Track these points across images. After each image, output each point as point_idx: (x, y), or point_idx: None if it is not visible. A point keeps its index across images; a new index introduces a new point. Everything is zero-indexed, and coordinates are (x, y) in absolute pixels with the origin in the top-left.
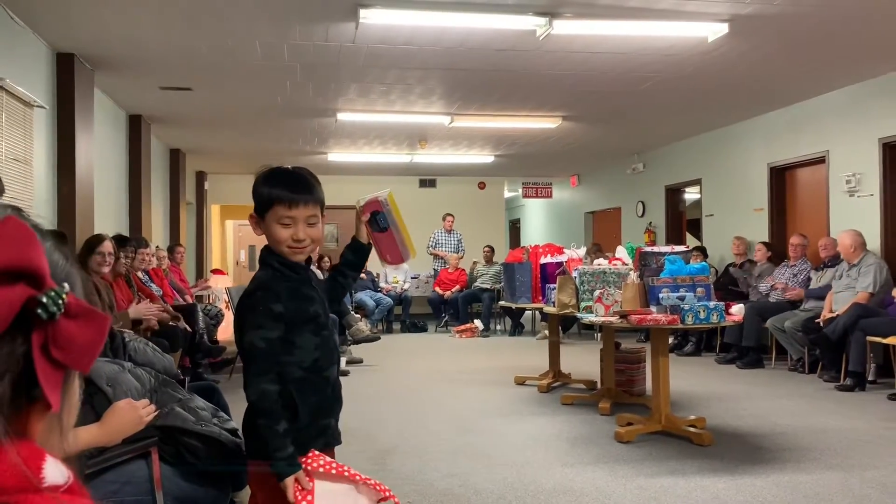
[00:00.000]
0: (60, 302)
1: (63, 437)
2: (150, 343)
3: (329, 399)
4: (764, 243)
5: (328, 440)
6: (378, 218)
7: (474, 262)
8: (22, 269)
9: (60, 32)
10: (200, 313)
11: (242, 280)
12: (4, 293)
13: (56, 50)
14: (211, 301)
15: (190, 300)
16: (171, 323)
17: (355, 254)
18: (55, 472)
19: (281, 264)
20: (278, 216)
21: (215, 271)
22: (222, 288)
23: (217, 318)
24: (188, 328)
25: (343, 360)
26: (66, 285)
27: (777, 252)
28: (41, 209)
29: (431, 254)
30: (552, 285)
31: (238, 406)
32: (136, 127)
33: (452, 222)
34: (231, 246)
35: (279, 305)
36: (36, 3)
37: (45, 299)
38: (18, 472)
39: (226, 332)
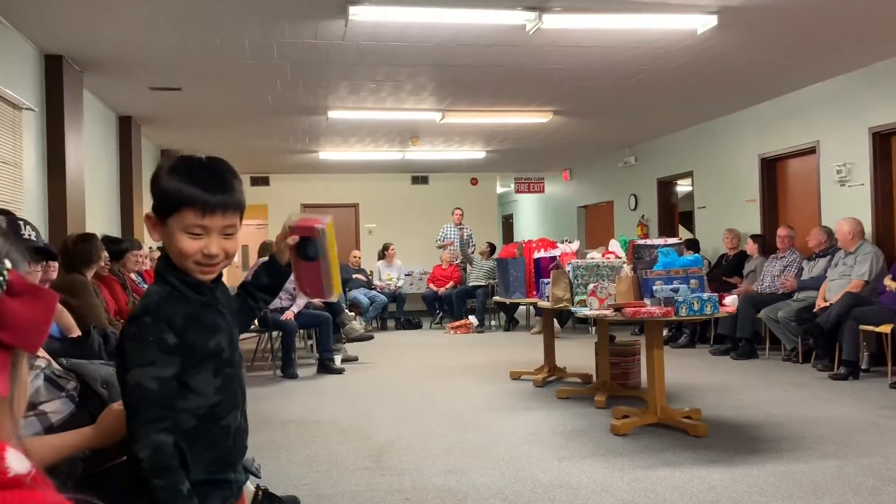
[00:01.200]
0: (4, 274)
1: (15, 424)
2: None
3: (230, 451)
4: (754, 236)
5: (226, 495)
6: (308, 246)
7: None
8: None
9: (48, 34)
10: None
11: (235, 280)
12: None
13: (44, 52)
14: None
15: None
16: None
17: (271, 277)
18: (17, 462)
19: (181, 282)
20: (186, 224)
21: None
22: None
23: None
24: None
25: (338, 357)
26: (6, 262)
27: (770, 243)
28: (31, 212)
29: (440, 246)
30: (546, 280)
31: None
32: (126, 128)
33: (461, 216)
34: None
35: (172, 335)
36: (23, 6)
37: None
38: None
39: None
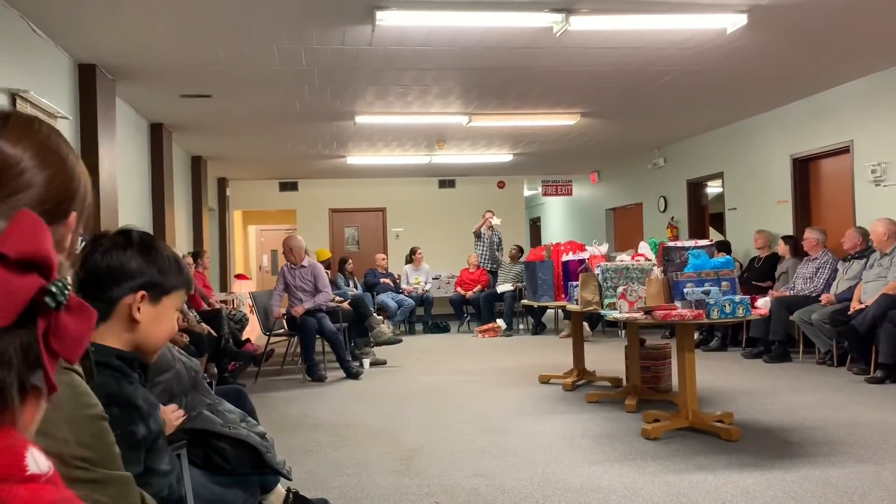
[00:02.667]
0: (67, 292)
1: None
2: (176, 347)
3: None
4: (786, 237)
5: None
6: None
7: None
8: (36, 260)
9: (81, 44)
10: (225, 318)
11: (266, 284)
12: (22, 281)
13: (78, 61)
14: (235, 306)
15: (214, 305)
16: (196, 330)
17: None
18: (37, 461)
19: (122, 360)
20: (179, 303)
21: (239, 276)
22: (246, 292)
23: (242, 323)
24: (213, 333)
25: (367, 361)
26: (68, 278)
27: (801, 245)
28: None
29: (475, 233)
30: (574, 283)
31: (264, 409)
32: (157, 135)
33: (492, 217)
34: (254, 251)
35: (139, 426)
36: (57, 16)
37: (54, 289)
38: (2, 462)
39: (251, 334)
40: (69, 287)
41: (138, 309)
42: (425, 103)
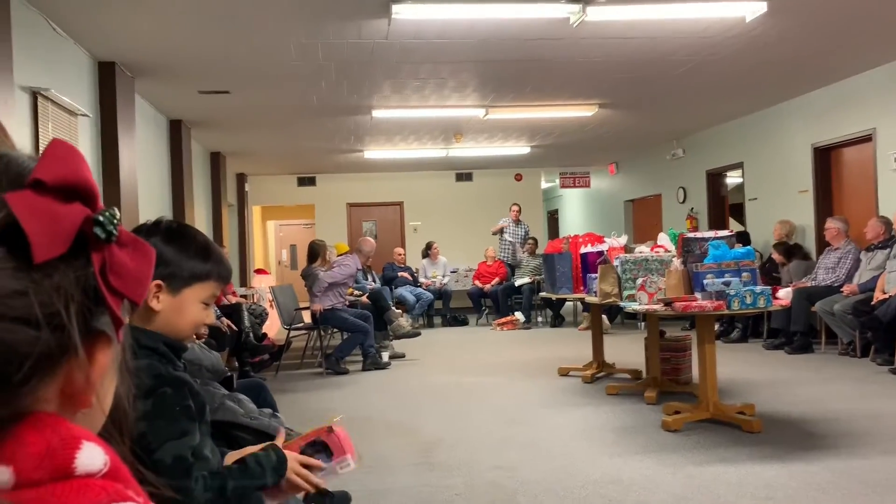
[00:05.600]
0: (116, 222)
1: (102, 410)
2: (197, 341)
3: None
4: (776, 245)
5: None
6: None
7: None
8: (76, 187)
9: (100, 42)
10: (245, 312)
11: (285, 279)
12: (65, 209)
13: (97, 59)
14: (255, 300)
15: (233, 300)
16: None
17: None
18: (90, 459)
19: (168, 346)
20: (206, 295)
21: (258, 271)
22: (266, 287)
23: (262, 317)
24: (234, 327)
25: (385, 354)
26: (116, 210)
27: (795, 249)
28: None
29: (494, 231)
30: (593, 275)
31: (284, 403)
32: (176, 131)
33: (519, 212)
34: (273, 246)
35: (190, 401)
36: (76, 14)
37: (101, 218)
38: (49, 466)
39: (271, 329)
40: (118, 218)
41: (156, 298)
42: (442, 96)
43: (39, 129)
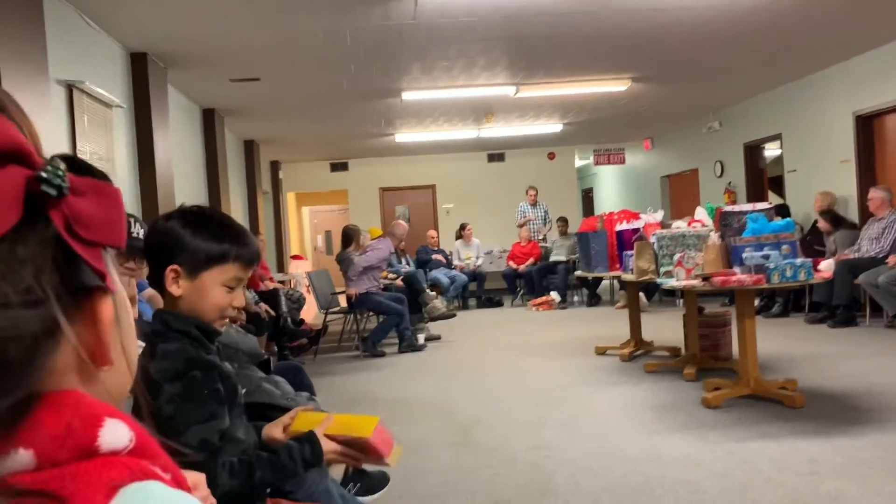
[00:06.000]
0: (61, 173)
1: (124, 381)
2: (234, 325)
3: None
4: (822, 213)
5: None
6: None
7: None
8: (5, 149)
9: (132, 33)
10: (283, 297)
11: (321, 264)
12: (2, 176)
13: (129, 50)
14: (293, 285)
15: (271, 286)
16: (252, 309)
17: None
18: (113, 436)
19: (200, 330)
20: (226, 278)
21: (295, 257)
22: (302, 273)
23: (299, 302)
24: (272, 312)
25: (421, 337)
26: (60, 163)
27: (840, 217)
28: (126, 207)
29: (520, 225)
30: (629, 252)
31: (322, 386)
32: (210, 120)
33: (536, 195)
34: (308, 232)
35: (220, 385)
36: (107, 6)
37: (45, 174)
38: (72, 446)
39: (309, 314)
40: (62, 170)
41: (175, 284)
42: (471, 76)
43: (76, 122)
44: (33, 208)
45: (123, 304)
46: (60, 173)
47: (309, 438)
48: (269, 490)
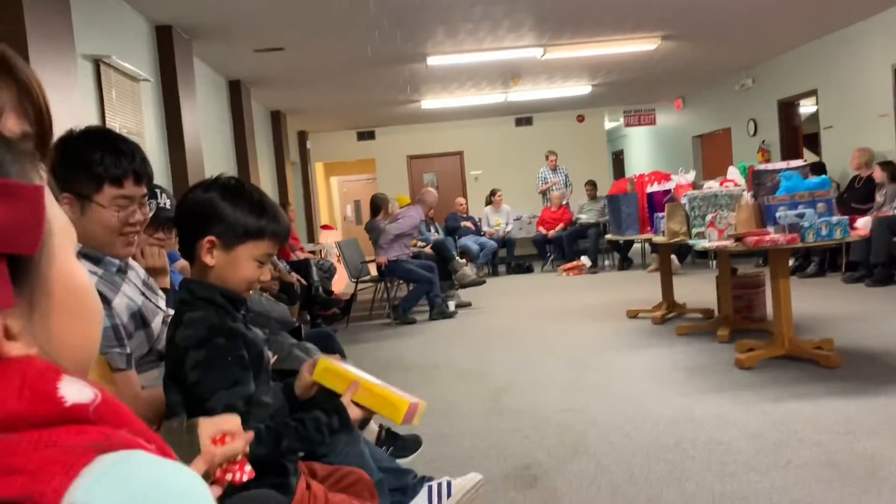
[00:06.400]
0: None
1: (50, 340)
2: (265, 295)
3: None
4: (883, 164)
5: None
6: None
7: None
8: None
9: (156, 5)
10: (314, 267)
11: (351, 234)
12: None
13: (154, 23)
14: (323, 255)
15: (302, 256)
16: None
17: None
18: (75, 388)
19: (225, 298)
20: (259, 253)
21: (324, 227)
22: (332, 242)
23: (330, 272)
24: (303, 282)
25: (452, 304)
26: None
27: None
28: (156, 179)
29: (542, 192)
30: (660, 214)
31: (355, 353)
32: (236, 92)
33: (556, 160)
34: (337, 201)
35: (244, 351)
36: None
37: None
38: (31, 396)
39: (340, 284)
40: None
41: (210, 254)
42: (497, 38)
43: (104, 97)
44: None
45: (67, 291)
46: None
47: (336, 408)
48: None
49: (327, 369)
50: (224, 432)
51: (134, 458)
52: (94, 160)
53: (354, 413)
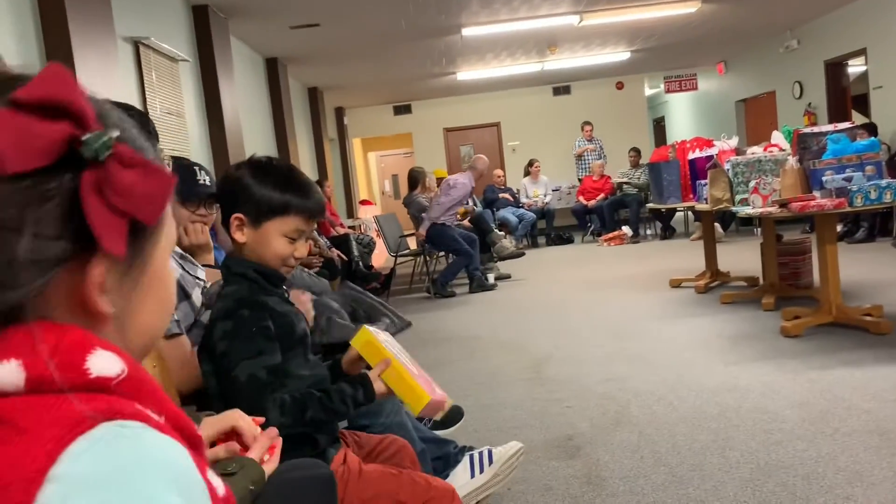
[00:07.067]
0: (104, 142)
1: (133, 319)
2: (307, 271)
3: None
4: None
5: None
6: (393, 347)
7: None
8: (60, 106)
9: None
10: (354, 242)
11: (390, 208)
12: (45, 126)
13: (191, 3)
14: (362, 230)
15: (341, 231)
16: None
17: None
18: (104, 362)
19: (258, 272)
20: (288, 229)
21: (363, 202)
22: (371, 217)
23: (370, 246)
24: (343, 257)
25: (491, 276)
26: (115, 131)
27: None
28: (197, 158)
29: (577, 155)
30: (703, 181)
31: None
32: (273, 69)
33: (591, 130)
34: (375, 176)
35: (271, 323)
36: None
37: (86, 138)
38: (59, 363)
39: (379, 258)
40: (106, 140)
41: (240, 231)
42: (532, 6)
43: (144, 78)
44: (69, 162)
45: (155, 271)
46: (103, 142)
47: (362, 381)
48: (345, 424)
49: (368, 342)
50: (226, 432)
51: (128, 428)
52: None
53: (380, 388)
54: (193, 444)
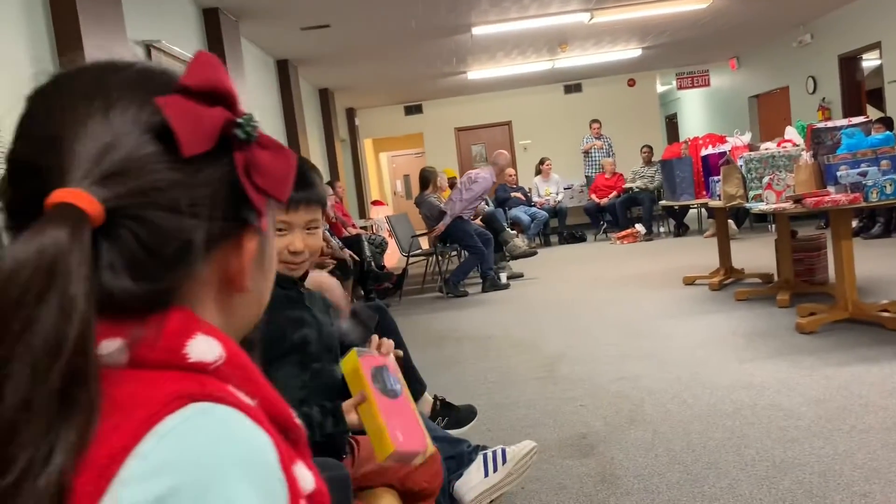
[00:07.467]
0: (254, 124)
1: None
2: (321, 271)
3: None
4: None
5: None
6: (385, 376)
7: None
8: (218, 92)
9: None
10: (366, 243)
11: (401, 208)
12: (208, 111)
13: (201, 6)
14: (374, 230)
15: (353, 232)
16: (339, 255)
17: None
18: (204, 347)
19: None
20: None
21: (375, 202)
22: (383, 217)
23: (382, 246)
24: (356, 257)
25: (504, 275)
26: (253, 115)
27: None
28: None
29: (584, 150)
30: (716, 178)
31: (407, 326)
32: (284, 71)
33: (599, 128)
34: (387, 177)
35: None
36: None
37: (241, 120)
38: (161, 346)
39: (391, 258)
40: (256, 122)
41: None
42: (543, 4)
43: None
44: (223, 146)
45: (271, 249)
46: (253, 125)
47: (334, 411)
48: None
49: (354, 370)
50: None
51: (216, 412)
52: None
53: (352, 420)
54: (289, 433)
